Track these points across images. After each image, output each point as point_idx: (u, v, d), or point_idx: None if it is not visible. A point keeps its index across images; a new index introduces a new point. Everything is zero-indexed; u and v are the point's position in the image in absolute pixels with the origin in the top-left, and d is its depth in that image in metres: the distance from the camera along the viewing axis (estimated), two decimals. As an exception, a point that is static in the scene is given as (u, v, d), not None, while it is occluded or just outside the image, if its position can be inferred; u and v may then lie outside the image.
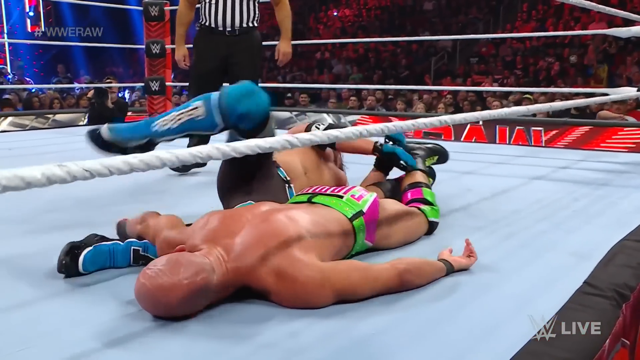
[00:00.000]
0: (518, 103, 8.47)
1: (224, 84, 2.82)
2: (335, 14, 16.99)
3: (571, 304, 1.49)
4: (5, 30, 17.12)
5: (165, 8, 5.76)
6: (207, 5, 3.27)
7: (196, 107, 1.80)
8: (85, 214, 2.42)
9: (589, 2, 3.34)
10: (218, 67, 3.29)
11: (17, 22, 17.71)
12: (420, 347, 1.32)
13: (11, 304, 1.54)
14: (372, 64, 14.01)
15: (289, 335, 1.37)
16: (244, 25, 3.31)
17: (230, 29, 3.28)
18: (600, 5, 3.71)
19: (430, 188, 2.30)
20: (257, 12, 3.38)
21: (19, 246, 2.00)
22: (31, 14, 17.93)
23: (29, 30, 17.82)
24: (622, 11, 4.14)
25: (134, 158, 0.86)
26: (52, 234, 2.11)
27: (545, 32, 11.10)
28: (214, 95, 1.79)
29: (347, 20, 16.48)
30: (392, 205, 2.03)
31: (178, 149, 0.92)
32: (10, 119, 7.06)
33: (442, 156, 2.59)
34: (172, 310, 1.38)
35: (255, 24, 3.39)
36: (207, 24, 3.30)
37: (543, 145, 5.60)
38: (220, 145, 0.97)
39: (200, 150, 0.92)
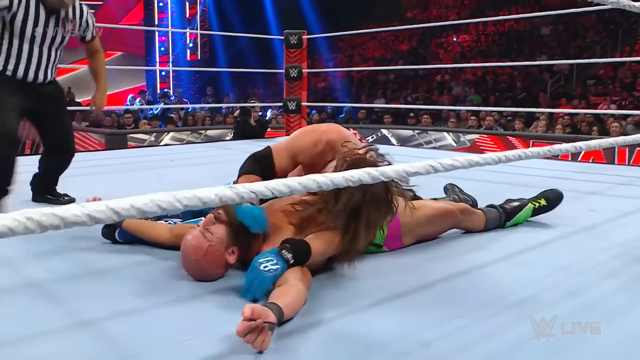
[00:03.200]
0: (638, 124, 7.85)
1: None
2: (455, 39, 16.63)
3: None
4: (170, 60, 18.33)
5: (304, 37, 5.88)
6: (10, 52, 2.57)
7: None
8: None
9: None
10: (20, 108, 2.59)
11: (180, 52, 18.90)
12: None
13: (173, 298, 1.60)
14: (489, 86, 13.54)
15: (422, 346, 1.32)
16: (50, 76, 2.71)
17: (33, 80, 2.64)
18: None
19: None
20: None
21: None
22: (190, 45, 19.05)
23: (188, 59, 18.95)
24: None
25: (294, 181, 0.85)
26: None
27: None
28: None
29: (466, 45, 16.06)
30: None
31: (331, 174, 0.90)
32: (171, 134, 7.53)
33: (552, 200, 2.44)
34: None
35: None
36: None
37: (667, 167, 5.12)
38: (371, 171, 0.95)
39: (352, 174, 0.90)
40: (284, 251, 1.58)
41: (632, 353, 1.30)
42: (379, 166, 1.56)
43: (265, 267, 1.54)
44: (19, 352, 1.29)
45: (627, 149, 5.76)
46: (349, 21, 14.55)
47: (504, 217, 2.32)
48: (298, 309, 1.45)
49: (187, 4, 18.76)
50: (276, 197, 1.69)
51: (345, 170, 1.60)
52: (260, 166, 1.95)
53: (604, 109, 9.47)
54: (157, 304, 1.56)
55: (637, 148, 5.72)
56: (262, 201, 1.84)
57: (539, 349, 1.31)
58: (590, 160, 5.67)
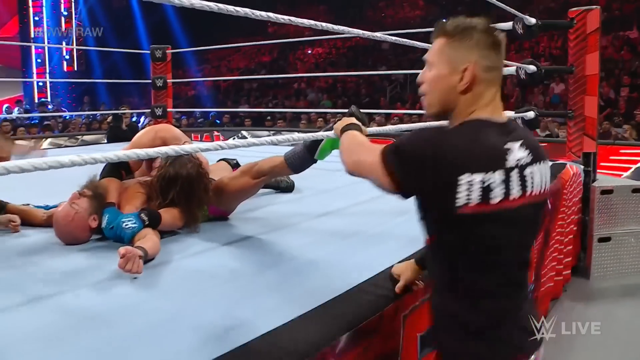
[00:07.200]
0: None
1: None
2: (309, 52, 17.23)
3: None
4: (47, 71, 17.37)
5: (167, 51, 6.04)
6: None
7: None
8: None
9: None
10: None
11: (56, 63, 17.94)
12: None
13: (49, 255, 1.87)
14: (339, 92, 14.28)
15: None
16: None
17: None
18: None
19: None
20: None
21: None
22: (67, 57, 18.13)
23: (65, 70, 18.04)
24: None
25: (122, 153, 1.22)
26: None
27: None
28: None
29: (319, 57, 16.74)
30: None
31: (147, 149, 1.28)
32: (50, 139, 7.35)
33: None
34: None
35: None
36: None
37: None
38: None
39: (161, 149, 1.29)
40: (142, 214, 1.96)
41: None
42: (194, 156, 2.01)
43: (126, 225, 1.91)
44: None
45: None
46: (216, 35, 14.66)
47: (307, 147, 2.24)
48: (156, 253, 1.82)
49: (63, 18, 17.85)
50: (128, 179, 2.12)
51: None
52: (118, 167, 2.22)
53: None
54: (38, 261, 1.84)
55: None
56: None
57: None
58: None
